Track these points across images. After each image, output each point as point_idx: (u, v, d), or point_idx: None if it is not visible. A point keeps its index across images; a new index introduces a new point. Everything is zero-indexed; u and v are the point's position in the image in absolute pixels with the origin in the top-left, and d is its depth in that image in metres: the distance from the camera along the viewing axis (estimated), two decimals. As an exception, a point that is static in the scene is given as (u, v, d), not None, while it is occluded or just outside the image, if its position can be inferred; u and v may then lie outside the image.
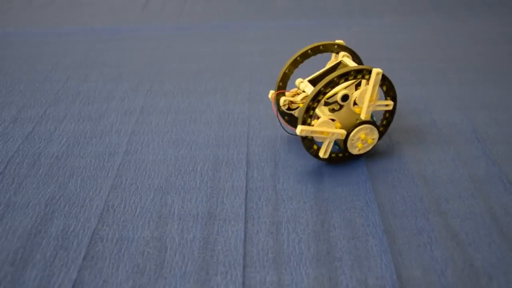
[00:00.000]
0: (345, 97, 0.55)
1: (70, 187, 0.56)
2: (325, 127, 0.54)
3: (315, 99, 0.52)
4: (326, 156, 0.55)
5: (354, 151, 0.57)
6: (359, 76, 0.53)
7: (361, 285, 0.43)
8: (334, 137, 0.54)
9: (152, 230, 0.50)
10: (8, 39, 0.98)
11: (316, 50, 0.59)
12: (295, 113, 0.59)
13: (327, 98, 0.55)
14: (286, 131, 0.61)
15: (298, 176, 0.56)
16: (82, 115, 0.70)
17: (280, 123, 0.60)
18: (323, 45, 0.59)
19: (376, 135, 0.57)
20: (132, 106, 0.72)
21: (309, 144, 0.55)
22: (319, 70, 0.63)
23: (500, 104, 0.69)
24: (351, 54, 0.61)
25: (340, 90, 0.55)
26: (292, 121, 0.62)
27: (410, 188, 0.54)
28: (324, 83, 0.51)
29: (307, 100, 0.52)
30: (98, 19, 1.09)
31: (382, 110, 0.63)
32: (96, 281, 0.45)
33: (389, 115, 0.59)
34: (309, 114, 0.52)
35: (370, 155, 0.59)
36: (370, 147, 0.57)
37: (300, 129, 0.52)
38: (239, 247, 0.47)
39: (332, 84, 0.52)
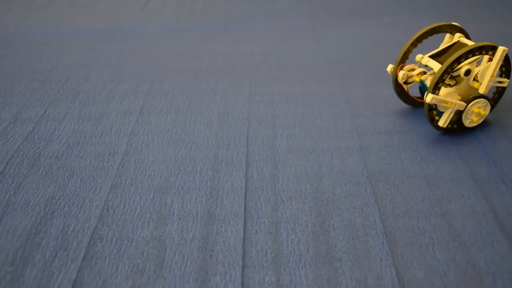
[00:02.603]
0: (467, 72, 0.59)
1: (70, 187, 0.56)
2: (449, 97, 0.59)
3: (446, 71, 0.57)
4: (445, 125, 0.60)
5: (467, 123, 0.61)
6: (484, 52, 0.59)
7: (360, 286, 0.43)
8: (456, 107, 0.60)
9: (152, 230, 0.50)
10: (8, 39, 0.98)
11: (433, 31, 0.65)
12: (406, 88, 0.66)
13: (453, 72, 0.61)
14: (407, 101, 0.68)
15: (297, 177, 0.56)
16: (82, 115, 0.70)
17: (406, 93, 0.67)
18: (440, 26, 0.65)
19: (488, 109, 0.62)
20: (132, 106, 0.72)
21: (431, 111, 0.60)
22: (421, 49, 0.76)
23: (500, 104, 0.69)
24: (464, 35, 0.66)
25: (463, 65, 0.59)
26: (402, 94, 0.68)
27: (411, 188, 0.54)
28: (454, 58, 0.57)
29: (439, 72, 0.57)
30: (98, 19, 1.09)
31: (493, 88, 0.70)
32: (96, 281, 0.44)
33: (500, 93, 0.64)
34: (437, 86, 0.58)
35: (370, 155, 0.59)
36: (482, 120, 0.62)
37: (430, 97, 0.57)
38: (238, 247, 0.47)
39: (462, 58, 0.58)
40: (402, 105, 0.70)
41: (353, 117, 0.67)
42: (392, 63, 0.83)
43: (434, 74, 0.62)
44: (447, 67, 0.57)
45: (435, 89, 0.58)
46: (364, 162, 0.58)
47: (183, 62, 0.85)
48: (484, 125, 0.64)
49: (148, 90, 0.76)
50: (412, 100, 0.69)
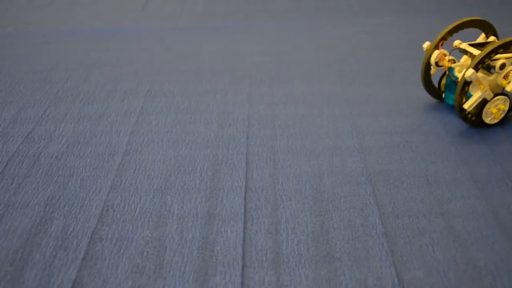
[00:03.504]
0: (503, 65, 0.61)
1: (69, 187, 0.56)
2: (484, 81, 0.61)
3: (489, 55, 0.59)
4: (469, 109, 0.61)
5: (486, 118, 0.63)
6: None
7: (360, 286, 0.43)
8: (486, 94, 0.61)
9: (152, 230, 0.50)
10: (8, 39, 0.98)
11: (468, 24, 0.68)
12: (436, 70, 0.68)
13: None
14: (429, 85, 0.69)
15: (297, 177, 0.56)
16: (82, 115, 0.70)
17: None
18: (480, 20, 0.68)
19: (507, 108, 0.63)
20: (132, 106, 0.72)
21: (463, 90, 0.61)
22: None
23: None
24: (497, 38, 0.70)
25: (500, 58, 0.61)
26: (427, 75, 0.69)
27: (411, 188, 0.54)
28: (500, 43, 0.59)
29: (485, 51, 0.59)
30: (98, 19, 1.09)
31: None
32: (96, 281, 0.44)
33: None
34: (481, 63, 0.59)
35: (370, 155, 0.59)
36: (499, 119, 0.64)
37: (471, 72, 0.59)
38: (238, 247, 0.47)
39: (504, 47, 0.59)
40: (402, 105, 0.70)
41: (353, 117, 0.67)
42: (392, 63, 0.83)
43: (471, 57, 0.64)
44: (493, 49, 0.59)
45: (477, 66, 0.59)
46: (364, 162, 0.58)
47: (183, 62, 0.86)
48: (484, 125, 0.64)
49: (148, 90, 0.76)
50: (433, 88, 0.70)
